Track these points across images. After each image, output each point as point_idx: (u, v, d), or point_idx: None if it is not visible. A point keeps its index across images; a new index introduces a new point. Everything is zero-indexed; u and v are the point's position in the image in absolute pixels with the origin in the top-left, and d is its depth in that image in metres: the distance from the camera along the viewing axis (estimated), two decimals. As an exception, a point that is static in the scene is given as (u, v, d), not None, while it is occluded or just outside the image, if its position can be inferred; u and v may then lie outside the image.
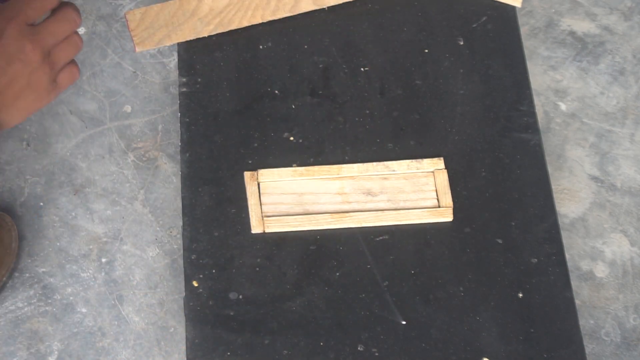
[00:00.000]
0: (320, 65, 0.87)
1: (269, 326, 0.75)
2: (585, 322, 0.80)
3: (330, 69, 0.87)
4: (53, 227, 0.83)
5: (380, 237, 0.79)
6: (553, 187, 0.82)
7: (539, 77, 0.93)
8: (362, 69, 0.87)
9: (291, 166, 0.81)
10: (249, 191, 0.80)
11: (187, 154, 0.82)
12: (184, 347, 0.76)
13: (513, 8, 0.91)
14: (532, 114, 0.85)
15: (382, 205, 0.80)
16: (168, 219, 0.84)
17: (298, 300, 0.76)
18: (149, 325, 0.80)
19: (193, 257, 0.78)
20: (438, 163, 0.82)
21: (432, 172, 0.81)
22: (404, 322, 0.75)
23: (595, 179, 0.87)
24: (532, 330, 0.75)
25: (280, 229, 0.79)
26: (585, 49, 0.95)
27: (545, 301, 0.76)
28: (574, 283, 0.79)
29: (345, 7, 0.91)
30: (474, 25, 0.90)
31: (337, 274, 0.77)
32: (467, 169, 0.82)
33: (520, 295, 0.76)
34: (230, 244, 0.78)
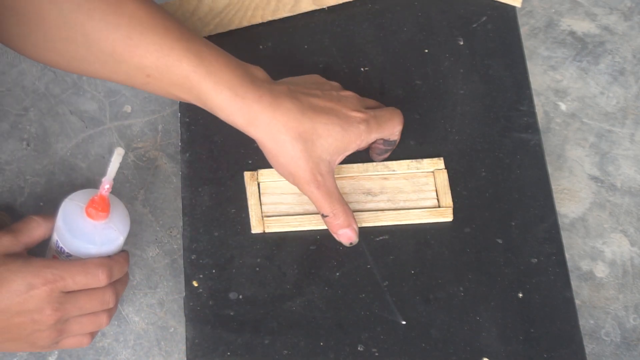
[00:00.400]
0: (320, 65, 0.87)
1: (269, 326, 0.75)
2: (585, 322, 0.80)
3: (330, 69, 0.87)
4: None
5: (380, 237, 0.79)
6: (553, 187, 0.82)
7: (539, 77, 0.93)
8: (362, 69, 0.87)
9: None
10: (249, 191, 0.80)
11: (187, 154, 0.82)
12: (184, 347, 0.76)
13: (513, 8, 0.91)
14: (532, 114, 0.85)
15: (382, 205, 0.80)
16: (168, 219, 0.84)
17: (298, 300, 0.76)
18: (149, 325, 0.80)
19: (193, 257, 0.78)
20: (438, 163, 0.82)
21: (432, 172, 0.81)
22: (404, 322, 0.75)
23: (595, 179, 0.87)
24: (532, 330, 0.75)
25: (280, 229, 0.79)
26: (585, 49, 0.95)
27: (545, 301, 0.76)
28: (574, 283, 0.79)
29: (345, 7, 0.91)
30: (474, 25, 0.90)
31: (337, 274, 0.77)
32: (467, 169, 0.82)
33: (520, 295, 0.76)
34: (230, 244, 0.78)
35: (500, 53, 0.88)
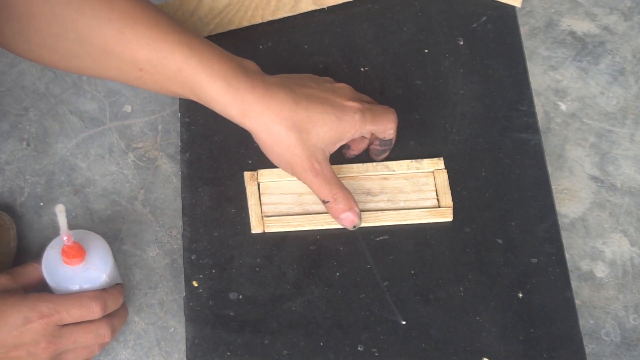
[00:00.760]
0: (320, 65, 0.87)
1: (269, 326, 0.75)
2: (585, 322, 0.80)
3: (330, 69, 0.87)
4: (53, 227, 0.83)
5: (380, 237, 0.79)
6: (553, 187, 0.82)
7: (539, 77, 0.93)
8: (362, 69, 0.87)
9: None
10: (249, 191, 0.80)
11: (187, 154, 0.82)
12: (184, 347, 0.76)
13: (513, 8, 0.91)
14: (532, 114, 0.85)
15: (382, 205, 0.80)
16: (168, 219, 0.84)
17: (298, 300, 0.76)
18: (148, 325, 0.80)
19: (193, 257, 0.78)
20: (438, 163, 0.82)
21: (432, 172, 0.81)
22: (404, 322, 0.75)
23: (595, 179, 0.87)
24: (532, 330, 0.75)
25: (280, 229, 0.79)
26: (585, 49, 0.95)
27: (545, 301, 0.76)
28: (574, 283, 0.79)
29: (345, 7, 0.91)
30: (474, 25, 0.90)
31: (337, 274, 0.77)
32: (467, 169, 0.82)
33: (520, 295, 0.76)
34: (230, 244, 0.78)
35: (500, 53, 0.88)
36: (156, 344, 0.79)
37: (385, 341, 0.74)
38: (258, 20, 0.89)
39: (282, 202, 0.80)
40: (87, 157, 0.87)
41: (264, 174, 0.81)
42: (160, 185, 0.86)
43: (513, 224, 0.79)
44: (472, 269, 0.77)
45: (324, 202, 0.76)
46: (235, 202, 0.80)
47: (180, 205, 0.82)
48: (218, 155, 0.82)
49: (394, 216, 0.79)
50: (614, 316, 0.81)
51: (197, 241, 0.78)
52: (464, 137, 0.84)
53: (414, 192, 0.81)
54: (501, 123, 0.84)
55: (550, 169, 0.83)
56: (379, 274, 0.77)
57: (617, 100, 0.92)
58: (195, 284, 0.76)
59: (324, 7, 0.90)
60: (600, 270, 0.84)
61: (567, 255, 0.79)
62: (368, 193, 0.81)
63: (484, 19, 0.90)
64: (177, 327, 0.80)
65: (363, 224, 0.79)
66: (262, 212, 0.79)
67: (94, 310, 0.70)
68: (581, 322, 0.78)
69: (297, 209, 0.80)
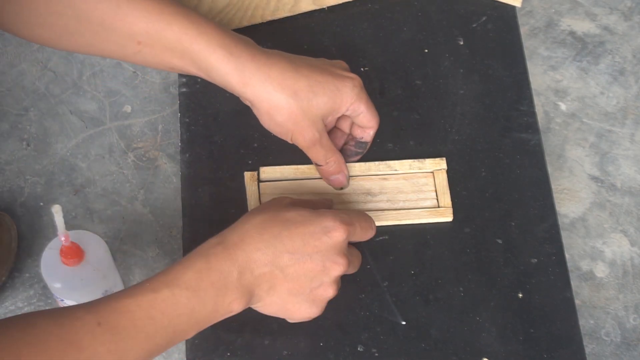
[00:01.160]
0: (320, 65, 0.87)
1: (269, 326, 0.75)
2: (585, 322, 0.80)
3: (330, 69, 0.87)
4: (53, 227, 0.83)
5: (380, 237, 0.79)
6: (553, 187, 0.82)
7: (539, 77, 0.93)
8: (362, 69, 0.87)
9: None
10: (249, 191, 0.80)
11: (187, 154, 0.82)
12: (184, 347, 0.76)
13: (513, 8, 0.91)
14: (532, 114, 0.85)
15: (381, 205, 0.80)
16: (168, 219, 0.84)
17: (298, 300, 0.76)
18: (149, 325, 0.80)
19: (193, 257, 0.78)
20: (440, 163, 0.81)
21: (432, 172, 0.81)
22: (403, 323, 0.75)
23: (595, 179, 0.87)
24: (532, 330, 0.75)
25: (280, 229, 0.79)
26: (585, 49, 0.95)
27: (545, 301, 0.76)
28: (574, 283, 0.79)
29: (345, 7, 0.91)
30: (474, 25, 0.90)
31: (337, 274, 0.77)
32: (467, 169, 0.82)
33: (520, 295, 0.76)
34: (230, 244, 0.78)
35: (500, 53, 0.88)
36: (156, 344, 0.79)
37: (385, 341, 0.74)
38: (258, 20, 0.89)
39: (282, 202, 0.80)
40: (87, 157, 0.87)
41: (264, 174, 0.81)
42: (160, 185, 0.86)
43: (513, 224, 0.79)
44: (472, 269, 0.77)
45: (318, 165, 0.77)
46: (235, 202, 0.80)
47: (180, 205, 0.81)
48: (218, 155, 0.82)
49: (393, 216, 0.79)
50: (614, 316, 0.81)
51: (197, 241, 0.78)
52: (464, 137, 0.84)
53: (413, 192, 0.81)
54: (501, 123, 0.84)
55: (550, 169, 0.83)
56: (379, 274, 0.77)
57: (617, 100, 0.92)
58: (195, 284, 0.76)
59: (324, 7, 0.90)
60: (600, 270, 0.84)
61: (567, 255, 0.79)
62: (368, 193, 0.81)
63: (484, 18, 0.90)
64: (177, 327, 0.80)
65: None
66: (262, 212, 0.79)
67: (371, 232, 0.72)
68: (581, 322, 0.78)
69: (297, 209, 0.80)
